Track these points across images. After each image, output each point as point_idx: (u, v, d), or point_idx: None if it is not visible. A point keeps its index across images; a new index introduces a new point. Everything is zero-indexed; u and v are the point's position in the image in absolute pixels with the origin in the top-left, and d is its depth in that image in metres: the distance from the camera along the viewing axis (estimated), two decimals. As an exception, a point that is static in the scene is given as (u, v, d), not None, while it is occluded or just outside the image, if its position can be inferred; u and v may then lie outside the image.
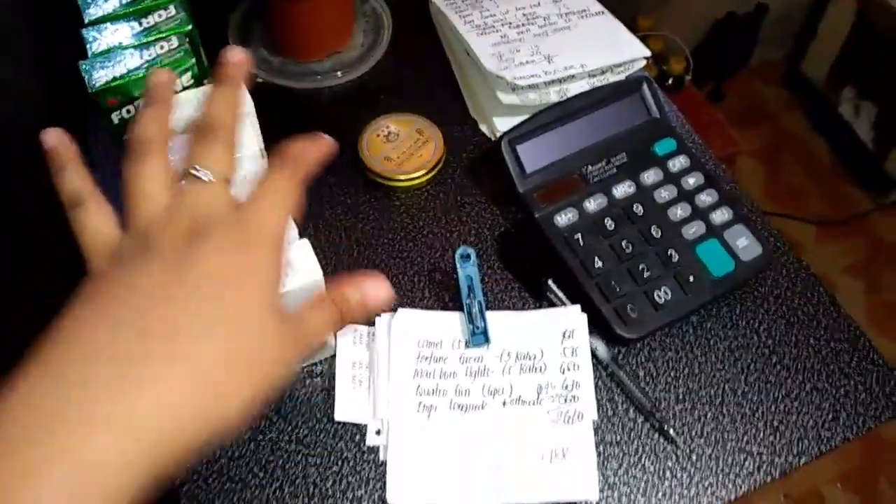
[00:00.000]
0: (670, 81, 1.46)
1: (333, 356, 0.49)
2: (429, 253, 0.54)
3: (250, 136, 0.45)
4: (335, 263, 0.53)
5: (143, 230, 0.30)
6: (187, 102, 0.41)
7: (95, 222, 0.32)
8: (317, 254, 0.53)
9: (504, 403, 0.47)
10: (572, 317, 0.49)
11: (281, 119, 0.60)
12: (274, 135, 0.58)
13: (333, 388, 0.47)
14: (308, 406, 0.47)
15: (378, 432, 0.46)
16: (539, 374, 0.47)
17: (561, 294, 0.50)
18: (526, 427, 0.46)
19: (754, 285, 0.52)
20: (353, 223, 0.56)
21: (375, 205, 0.57)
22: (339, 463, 0.45)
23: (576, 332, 0.49)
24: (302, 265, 0.41)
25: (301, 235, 0.55)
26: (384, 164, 0.57)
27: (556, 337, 0.49)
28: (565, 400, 0.46)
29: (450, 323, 0.50)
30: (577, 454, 0.44)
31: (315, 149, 0.34)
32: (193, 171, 0.31)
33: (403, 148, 0.58)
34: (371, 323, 0.50)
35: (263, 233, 0.30)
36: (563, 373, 0.47)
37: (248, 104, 0.46)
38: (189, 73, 0.50)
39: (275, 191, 0.31)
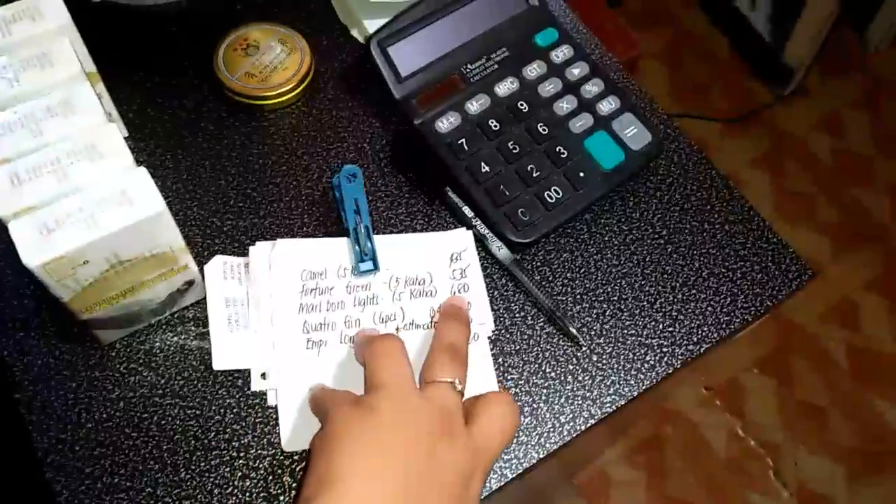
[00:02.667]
0: (568, -14, 1.41)
1: (204, 298, 0.44)
2: (305, 176, 0.49)
3: (69, 55, 0.39)
4: (200, 196, 0.48)
5: (403, 396, 0.36)
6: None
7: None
8: (179, 188, 0.48)
9: (398, 329, 0.44)
10: (459, 238, 0.46)
11: (126, 42, 0.54)
12: (121, 59, 0.52)
13: (208, 331, 0.43)
14: (182, 355, 0.43)
15: (264, 376, 0.42)
16: (430, 297, 0.44)
17: (460, 202, 0.47)
18: (422, 351, 0.43)
19: (646, 175, 0.50)
20: (217, 150, 0.50)
21: (241, 128, 0.51)
22: (222, 412, 0.41)
23: (464, 253, 0.46)
24: (141, 197, 0.36)
25: (157, 168, 0.49)
26: (246, 80, 0.51)
27: (444, 260, 0.46)
28: None
29: (333, 250, 0.46)
30: (477, 375, 0.42)
31: None
32: (446, 380, 0.37)
33: (266, 61, 0.52)
34: (244, 252, 0.45)
35: (487, 456, 0.36)
36: (454, 294, 0.44)
37: (64, 17, 0.40)
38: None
39: (502, 417, 0.37)
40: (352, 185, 0.45)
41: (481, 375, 0.42)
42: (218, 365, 0.42)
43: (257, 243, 0.45)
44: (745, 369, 1.33)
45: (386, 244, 0.46)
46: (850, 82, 1.66)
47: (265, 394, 0.42)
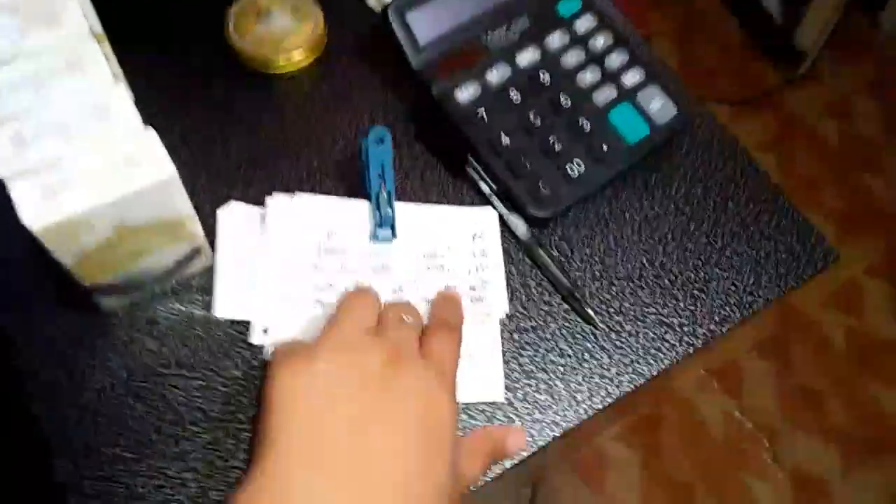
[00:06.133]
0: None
1: (209, 268, 0.43)
2: (316, 146, 0.48)
3: (76, 14, 0.37)
4: (208, 164, 0.46)
5: (349, 339, 0.35)
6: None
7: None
8: (186, 155, 0.47)
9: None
10: (483, 216, 0.45)
11: (135, 4, 0.52)
12: (129, 21, 0.50)
13: (209, 304, 0.42)
14: (187, 324, 0.41)
15: (265, 331, 0.41)
16: (446, 272, 0.43)
17: (482, 173, 0.45)
18: None
19: (669, 150, 0.48)
20: (227, 117, 0.48)
21: (252, 94, 0.49)
22: (227, 384, 0.40)
23: (486, 232, 0.44)
24: (149, 160, 0.34)
25: (163, 134, 0.48)
26: (257, 46, 0.49)
27: (466, 237, 0.44)
28: (472, 300, 0.42)
29: (352, 212, 0.44)
30: (484, 355, 0.41)
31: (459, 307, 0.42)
32: (404, 316, 0.37)
33: (278, 27, 0.50)
34: (261, 202, 0.44)
35: (445, 375, 0.36)
36: (471, 273, 0.43)
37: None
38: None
39: (444, 341, 0.37)
40: (379, 148, 0.44)
41: (489, 362, 0.41)
42: (220, 312, 0.41)
43: (275, 194, 0.44)
44: (744, 352, 1.33)
45: (407, 213, 0.45)
46: (861, 67, 1.64)
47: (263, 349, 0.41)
